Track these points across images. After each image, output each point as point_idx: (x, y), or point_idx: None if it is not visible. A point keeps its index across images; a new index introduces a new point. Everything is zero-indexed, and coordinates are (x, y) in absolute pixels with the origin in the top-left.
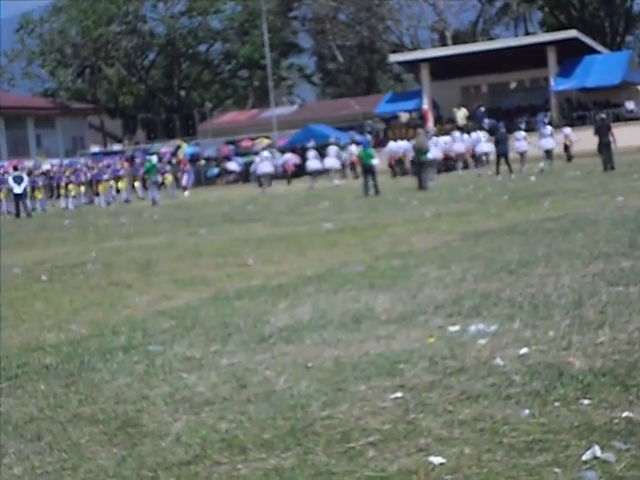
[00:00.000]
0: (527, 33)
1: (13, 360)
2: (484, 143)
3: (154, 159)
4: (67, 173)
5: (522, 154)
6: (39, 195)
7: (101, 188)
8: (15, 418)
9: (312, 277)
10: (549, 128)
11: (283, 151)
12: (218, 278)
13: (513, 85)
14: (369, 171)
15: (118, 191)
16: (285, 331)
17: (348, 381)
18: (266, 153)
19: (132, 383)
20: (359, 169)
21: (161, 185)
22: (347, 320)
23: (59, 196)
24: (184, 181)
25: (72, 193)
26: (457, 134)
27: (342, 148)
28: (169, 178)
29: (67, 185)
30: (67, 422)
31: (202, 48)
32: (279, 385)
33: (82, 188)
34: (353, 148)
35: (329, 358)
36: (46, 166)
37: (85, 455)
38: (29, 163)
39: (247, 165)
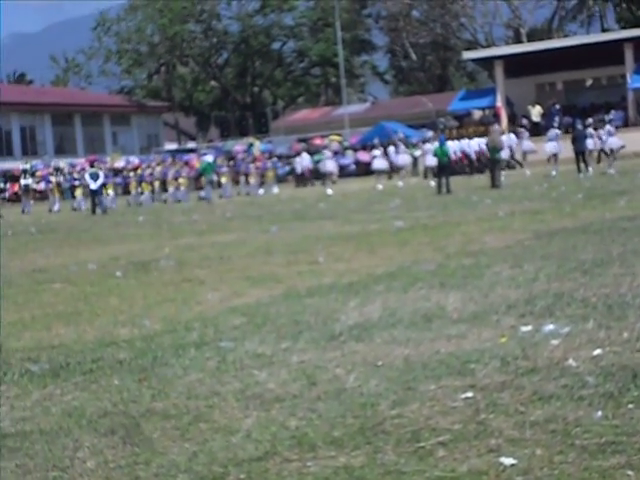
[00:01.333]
0: (603, 30)
1: (88, 355)
2: (550, 143)
3: (210, 158)
4: (140, 170)
5: (589, 152)
6: (109, 191)
7: (171, 184)
8: (89, 412)
9: (382, 275)
10: (613, 127)
11: (355, 149)
12: (289, 275)
13: (589, 82)
14: (443, 169)
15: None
16: (355, 329)
17: (418, 380)
18: (328, 152)
19: (204, 379)
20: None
21: (216, 184)
22: (417, 319)
23: (129, 192)
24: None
25: (146, 190)
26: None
27: (414, 146)
28: (224, 177)
29: (140, 182)
30: (140, 417)
31: (275, 46)
32: (349, 383)
33: (155, 184)
34: (427, 146)
35: (399, 357)
36: (119, 163)
37: (157, 450)
38: (105, 160)
39: (318, 163)
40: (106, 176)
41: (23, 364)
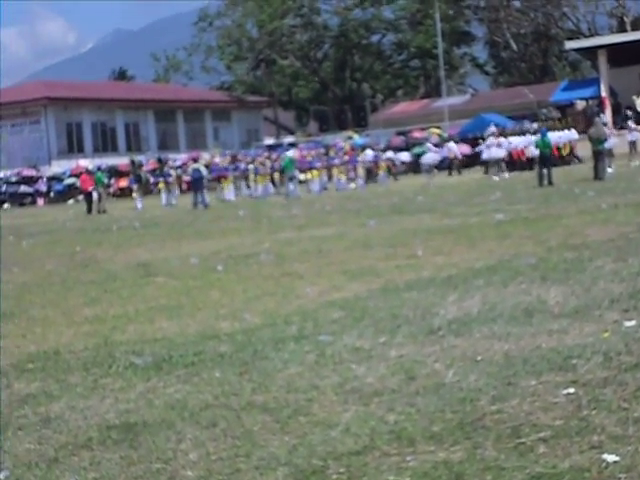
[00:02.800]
0: None
1: (190, 348)
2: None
3: (291, 153)
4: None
5: None
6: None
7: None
8: (191, 405)
9: (482, 269)
10: None
11: (456, 141)
12: (387, 269)
13: None
14: (545, 160)
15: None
16: (454, 324)
17: (518, 375)
18: (429, 144)
19: (303, 372)
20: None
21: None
22: (518, 313)
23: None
24: (351, 174)
25: (261, 182)
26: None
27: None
28: (315, 173)
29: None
30: (241, 410)
31: (374, 39)
32: (448, 378)
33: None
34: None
35: (499, 352)
36: (216, 159)
37: (258, 442)
38: (206, 155)
39: (417, 156)
40: (213, 170)
41: (127, 357)
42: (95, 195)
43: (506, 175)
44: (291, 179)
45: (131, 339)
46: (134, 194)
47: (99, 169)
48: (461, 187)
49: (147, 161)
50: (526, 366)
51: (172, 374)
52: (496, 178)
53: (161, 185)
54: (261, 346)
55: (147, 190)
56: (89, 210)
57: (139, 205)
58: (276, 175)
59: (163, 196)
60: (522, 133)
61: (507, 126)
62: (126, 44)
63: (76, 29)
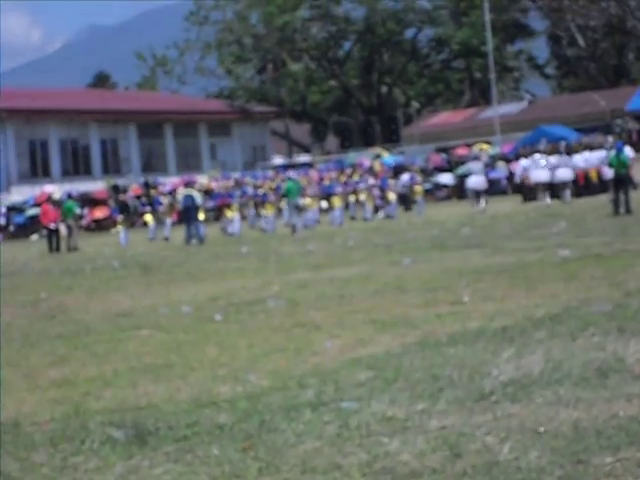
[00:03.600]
0: None
1: (182, 418)
2: None
3: (295, 176)
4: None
5: None
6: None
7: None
8: None
9: (544, 318)
10: None
11: (508, 160)
12: (425, 319)
13: None
14: (621, 183)
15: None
16: (510, 386)
17: (591, 451)
18: (475, 164)
19: (322, 448)
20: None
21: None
22: (589, 374)
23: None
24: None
25: (270, 211)
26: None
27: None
28: (335, 201)
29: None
30: None
31: (408, 34)
32: (503, 455)
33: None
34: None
35: (566, 421)
36: (214, 183)
37: None
38: (202, 178)
39: (462, 178)
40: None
41: (104, 430)
42: (63, 229)
43: (548, 201)
44: (295, 208)
45: (108, 407)
46: (118, 226)
47: (69, 197)
48: (516, 217)
49: (128, 186)
50: (600, 439)
51: (159, 450)
52: (548, 200)
53: (148, 216)
54: (269, 415)
55: (132, 222)
56: (51, 248)
57: (124, 240)
58: (282, 203)
59: (151, 228)
60: (590, 148)
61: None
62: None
63: (42, 25)
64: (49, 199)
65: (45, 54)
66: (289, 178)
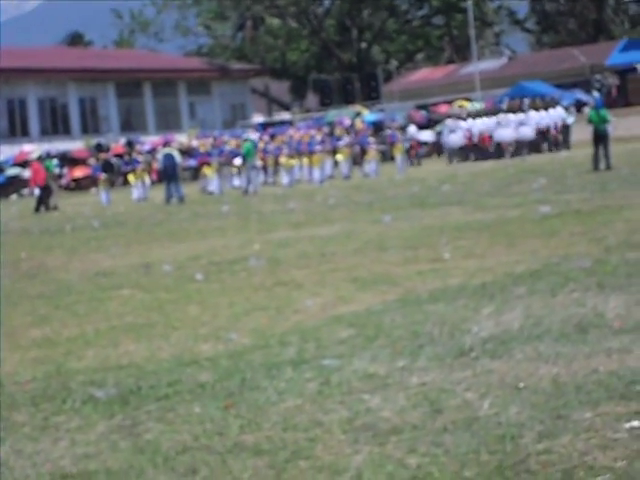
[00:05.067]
0: None
1: (163, 377)
2: None
3: (253, 136)
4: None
5: None
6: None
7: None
8: (166, 447)
9: (524, 274)
10: None
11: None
12: (406, 276)
13: None
14: (601, 139)
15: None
16: (490, 343)
17: (570, 406)
18: (451, 121)
19: (303, 405)
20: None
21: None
22: (569, 329)
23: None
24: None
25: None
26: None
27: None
28: (315, 159)
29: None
30: (227, 452)
31: None
32: (483, 410)
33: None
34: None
35: (546, 377)
36: (194, 142)
37: None
38: (181, 137)
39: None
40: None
41: (86, 389)
42: (38, 190)
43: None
44: (253, 168)
45: (90, 366)
46: (100, 185)
47: (48, 156)
48: (496, 173)
49: (110, 145)
50: (580, 394)
51: (141, 409)
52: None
53: (132, 176)
54: (251, 373)
55: (114, 181)
56: (39, 208)
57: (104, 199)
58: (269, 160)
59: (136, 189)
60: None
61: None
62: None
63: None
64: (40, 158)
65: (21, 12)
66: (246, 139)
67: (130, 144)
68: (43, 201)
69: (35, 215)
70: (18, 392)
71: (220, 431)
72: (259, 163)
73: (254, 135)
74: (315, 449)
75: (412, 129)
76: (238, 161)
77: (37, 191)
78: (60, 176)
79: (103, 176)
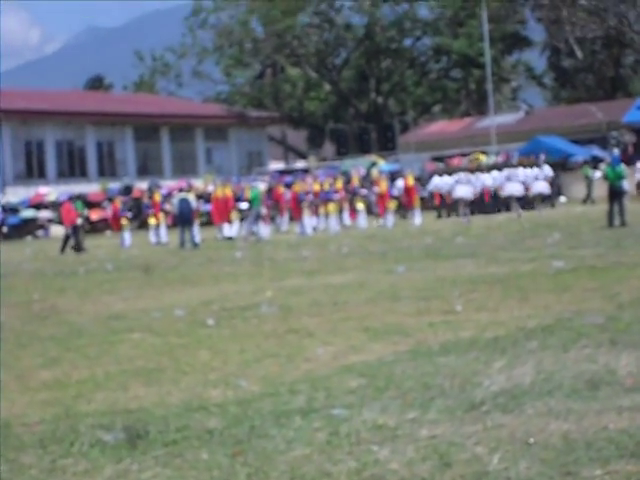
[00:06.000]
0: None
1: (172, 422)
2: None
3: (260, 186)
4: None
5: None
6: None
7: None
8: None
9: (536, 329)
10: None
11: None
12: (418, 327)
13: None
14: (617, 195)
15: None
16: (501, 397)
17: (580, 463)
18: (463, 174)
19: (311, 455)
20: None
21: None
22: (580, 385)
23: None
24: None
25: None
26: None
27: (582, 167)
28: (332, 207)
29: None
30: None
31: (407, 42)
32: (492, 465)
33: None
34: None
35: (556, 433)
36: (210, 187)
37: None
38: (197, 182)
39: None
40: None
41: (94, 432)
42: (69, 230)
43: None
44: (257, 217)
45: (99, 410)
46: (125, 226)
47: (77, 197)
48: (511, 227)
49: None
50: (590, 451)
51: (149, 454)
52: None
53: (152, 219)
54: (260, 421)
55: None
56: (63, 248)
57: (127, 240)
58: (284, 208)
59: (157, 232)
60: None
61: (570, 152)
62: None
63: (41, 25)
64: (71, 199)
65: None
66: (252, 186)
67: (151, 189)
68: (74, 241)
69: (66, 255)
70: (26, 434)
71: (227, 479)
72: (264, 211)
73: (260, 184)
74: None
75: (436, 180)
76: (245, 206)
77: (69, 231)
78: (87, 217)
79: (129, 216)
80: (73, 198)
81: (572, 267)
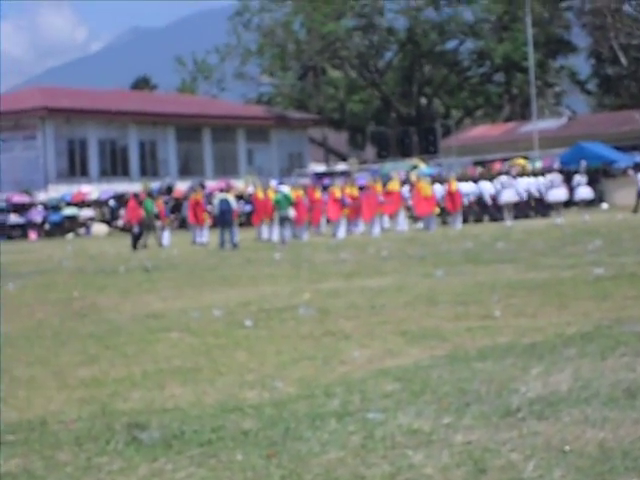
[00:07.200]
0: None
1: (207, 422)
2: None
3: (285, 188)
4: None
5: None
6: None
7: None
8: None
9: (574, 336)
10: None
11: (543, 174)
12: (456, 332)
13: None
14: None
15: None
16: (537, 404)
17: (616, 472)
18: (505, 178)
19: (345, 458)
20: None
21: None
22: (618, 394)
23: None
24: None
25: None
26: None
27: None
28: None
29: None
30: None
31: (449, 46)
32: (527, 472)
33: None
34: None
35: (592, 441)
36: (250, 188)
37: None
38: (238, 183)
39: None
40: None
41: (130, 431)
42: (136, 228)
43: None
44: (285, 220)
45: (135, 408)
46: (167, 226)
47: (149, 195)
48: (551, 233)
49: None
50: (626, 460)
51: (184, 454)
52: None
53: (196, 218)
54: (295, 423)
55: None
56: (135, 245)
57: (166, 240)
58: (320, 210)
59: (198, 232)
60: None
61: (612, 159)
62: (145, 45)
63: (86, 25)
64: (135, 196)
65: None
66: (278, 191)
67: (202, 186)
68: (136, 238)
69: (137, 253)
70: (62, 431)
71: None
72: (292, 213)
73: (285, 188)
74: None
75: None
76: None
77: (135, 229)
78: (157, 216)
79: (172, 217)
80: (137, 195)
81: (612, 274)
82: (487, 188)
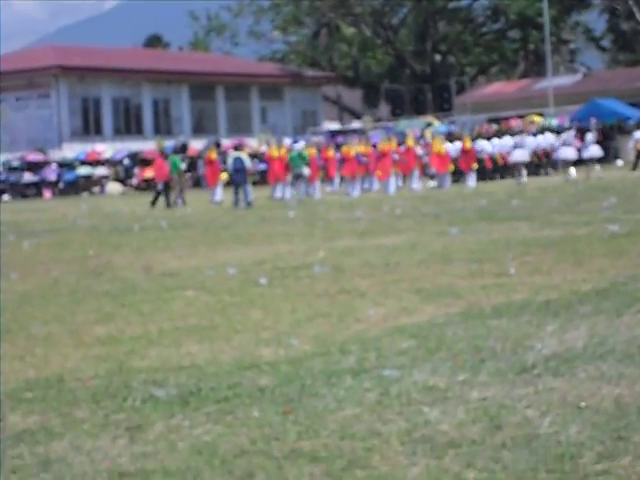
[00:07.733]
0: None
1: (223, 379)
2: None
3: (300, 145)
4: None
5: None
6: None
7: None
8: (223, 450)
9: (590, 293)
10: None
11: (559, 132)
12: (470, 290)
13: None
14: None
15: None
16: (553, 360)
17: (632, 428)
18: (519, 138)
19: (361, 415)
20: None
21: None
22: (633, 350)
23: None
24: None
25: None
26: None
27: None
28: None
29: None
30: (283, 458)
31: (464, 2)
32: (543, 428)
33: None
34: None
35: (608, 397)
36: (264, 147)
37: None
38: (252, 141)
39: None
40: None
41: (146, 388)
42: (160, 185)
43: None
44: (298, 177)
45: (152, 366)
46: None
47: (174, 152)
48: (566, 190)
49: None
50: None
51: (200, 411)
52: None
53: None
54: (310, 380)
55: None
56: (154, 202)
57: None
58: (334, 168)
59: (218, 190)
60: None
61: (626, 115)
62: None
63: None
64: (162, 153)
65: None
66: (292, 148)
67: (218, 145)
68: (165, 197)
69: (150, 209)
70: (80, 388)
71: (278, 436)
72: (307, 171)
73: (300, 145)
74: (372, 459)
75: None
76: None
77: (160, 186)
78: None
79: (187, 176)
80: (165, 153)
81: (627, 231)
82: (500, 145)
